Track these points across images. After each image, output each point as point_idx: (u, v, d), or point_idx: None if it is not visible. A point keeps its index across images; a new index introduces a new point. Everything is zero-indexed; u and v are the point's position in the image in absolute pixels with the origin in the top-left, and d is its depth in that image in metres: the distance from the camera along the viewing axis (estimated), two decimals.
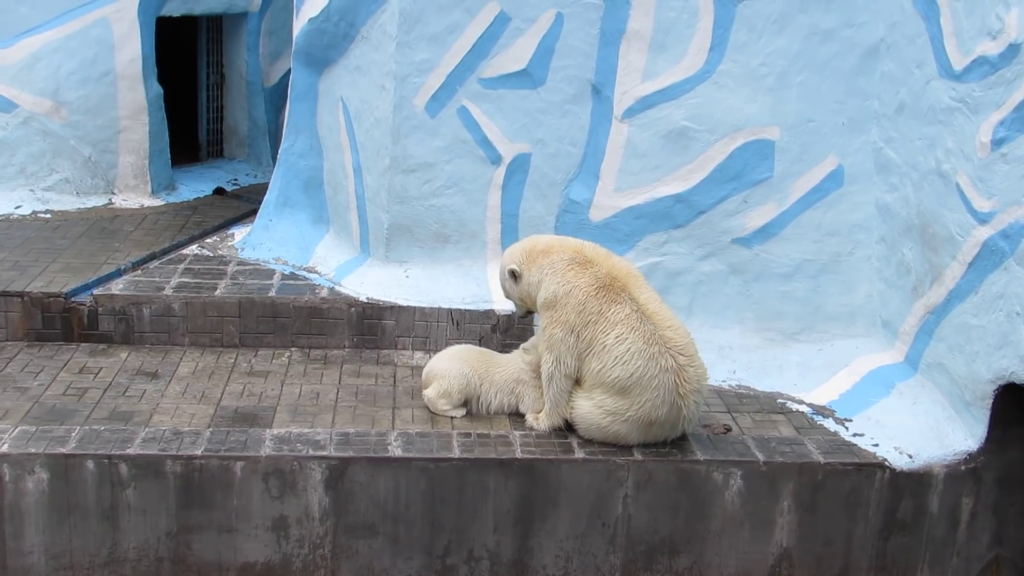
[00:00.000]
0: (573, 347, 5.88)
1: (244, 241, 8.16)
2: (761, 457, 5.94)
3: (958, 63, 6.02)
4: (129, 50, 9.05)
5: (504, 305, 7.01)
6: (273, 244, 7.97)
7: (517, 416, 6.26)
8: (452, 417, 6.21)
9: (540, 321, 6.08)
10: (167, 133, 9.54)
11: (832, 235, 6.90)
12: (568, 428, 6.07)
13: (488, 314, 7.09)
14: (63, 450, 5.63)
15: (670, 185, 6.95)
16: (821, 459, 5.94)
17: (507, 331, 7.15)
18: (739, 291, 7.04)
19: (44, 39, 8.88)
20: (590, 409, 5.91)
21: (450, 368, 6.21)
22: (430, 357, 6.72)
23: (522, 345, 6.38)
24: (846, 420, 6.37)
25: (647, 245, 7.05)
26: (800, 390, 6.71)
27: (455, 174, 7.26)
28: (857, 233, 6.88)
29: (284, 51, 10.23)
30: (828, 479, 5.91)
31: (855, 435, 6.20)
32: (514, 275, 6.01)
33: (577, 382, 6.00)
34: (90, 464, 5.63)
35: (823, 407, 6.54)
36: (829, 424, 6.34)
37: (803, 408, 6.54)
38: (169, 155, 9.63)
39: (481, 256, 7.37)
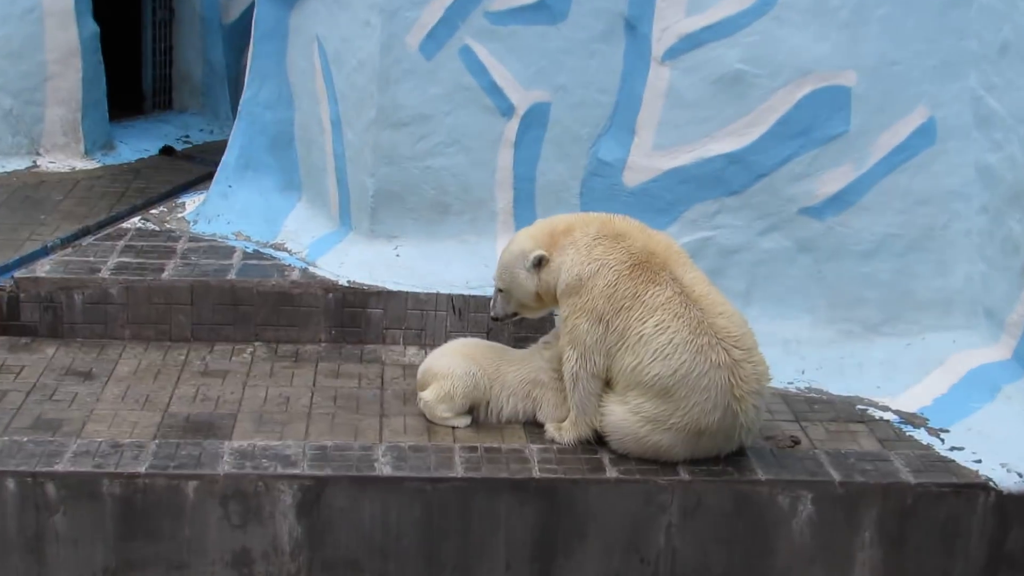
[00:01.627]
0: (602, 339, 5.85)
1: (197, 212, 8.14)
2: (837, 477, 5.88)
3: None
4: None
5: None
6: (233, 215, 7.96)
7: (534, 426, 6.23)
8: (454, 427, 6.18)
9: (560, 310, 6.05)
10: (104, 81, 9.54)
11: (922, 204, 6.84)
12: (598, 440, 6.03)
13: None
14: None
15: (722, 142, 6.90)
16: (911, 479, 5.88)
17: (521, 321, 7.05)
18: (808, 273, 6.98)
19: None
20: (625, 416, 5.87)
21: (452, 367, 6.20)
22: (426, 354, 6.66)
23: (541, 339, 6.37)
24: (941, 431, 6.31)
25: (694, 216, 7.00)
26: (884, 394, 6.66)
27: (456, 129, 7.24)
28: (953, 202, 6.82)
29: None
30: (920, 504, 5.86)
31: (952, 449, 6.14)
32: (540, 263, 5.99)
33: (608, 383, 5.96)
34: (10, 483, 5.58)
35: (913, 415, 6.49)
36: (921, 435, 6.29)
37: (888, 416, 6.50)
38: (106, 107, 9.62)
39: (489, 230, 7.35)
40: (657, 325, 5.74)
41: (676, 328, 5.73)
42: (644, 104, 6.99)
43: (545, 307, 6.24)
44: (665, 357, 5.72)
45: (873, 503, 5.85)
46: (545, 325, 6.95)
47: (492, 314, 6.26)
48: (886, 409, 6.55)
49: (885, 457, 6.06)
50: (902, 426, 6.39)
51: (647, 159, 7.01)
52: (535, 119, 7.21)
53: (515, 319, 6.35)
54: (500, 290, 6.16)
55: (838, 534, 5.87)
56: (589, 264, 5.87)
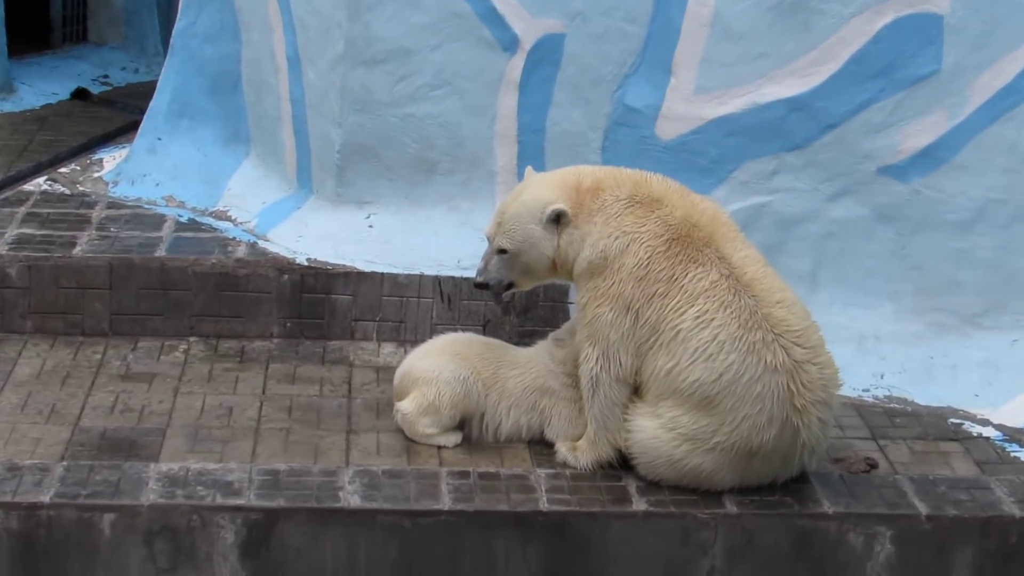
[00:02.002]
0: (630, 334, 5.85)
1: (118, 171, 8.14)
2: (923, 509, 5.88)
3: None
4: None
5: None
6: (163, 176, 7.97)
7: (542, 445, 6.24)
8: (440, 446, 6.20)
9: (577, 296, 6.05)
10: (2, 7, 9.47)
11: None
12: (622, 463, 6.04)
13: None
14: None
15: (781, 84, 6.92)
16: (1016, 512, 5.88)
17: (527, 312, 7.14)
18: (890, 249, 7.00)
19: None
20: (657, 432, 5.87)
21: (438, 370, 6.20)
22: (406, 353, 6.68)
23: (552, 334, 6.37)
24: None
25: (746, 177, 7.01)
26: (984, 404, 6.67)
27: (446, 66, 7.25)
28: None
29: None
30: None
31: None
32: (559, 219, 5.94)
33: (636, 391, 5.97)
34: None
35: (1019, 430, 6.50)
36: None
37: (989, 432, 6.50)
38: (4, 40, 9.57)
39: (486, 193, 7.37)
40: (698, 317, 5.73)
41: (722, 321, 5.72)
42: (683, 36, 7.00)
43: (554, 278, 6.23)
44: (708, 358, 5.71)
45: (969, 541, 5.85)
46: (557, 317, 6.98)
47: (479, 279, 6.14)
48: (986, 423, 6.55)
49: (984, 484, 6.05)
50: (1006, 444, 6.39)
51: (687, 105, 7.02)
52: (545, 55, 7.21)
53: (507, 292, 6.23)
54: (502, 250, 6.05)
55: None
56: (617, 238, 5.85)
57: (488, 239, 6.07)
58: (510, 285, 6.15)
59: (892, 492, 5.98)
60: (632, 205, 5.89)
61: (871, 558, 5.85)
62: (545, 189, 6.00)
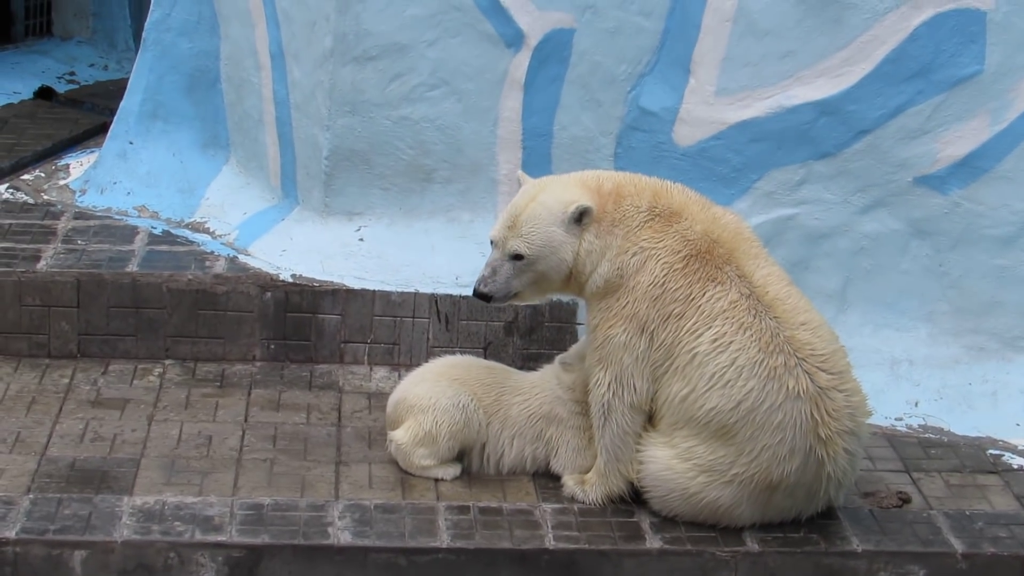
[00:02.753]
0: (644, 358, 5.97)
1: (86, 178, 8.21)
2: (959, 547, 6.01)
3: None
4: None
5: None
6: (135, 184, 8.03)
7: (548, 478, 6.34)
8: (438, 479, 6.29)
9: (588, 316, 6.16)
10: None
11: None
12: (635, 498, 6.15)
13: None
14: None
15: (810, 86, 7.03)
16: None
17: (531, 334, 7.28)
18: (926, 267, 7.11)
19: None
20: (671, 463, 5.99)
21: (434, 396, 6.28)
22: (400, 377, 6.76)
23: (559, 358, 6.43)
24: None
25: (771, 187, 7.14)
26: None
27: (444, 64, 7.32)
28: None
29: None
30: None
31: None
32: (582, 217, 5.96)
33: (650, 419, 6.09)
34: None
35: None
36: None
37: None
38: None
39: (487, 203, 7.46)
40: (716, 340, 5.84)
41: (741, 344, 5.83)
42: (703, 32, 7.11)
43: (564, 293, 6.28)
44: (726, 384, 5.83)
45: None
46: (564, 339, 7.12)
47: (483, 288, 6.05)
48: None
49: None
50: None
51: (707, 108, 7.14)
52: (553, 52, 7.28)
53: (509, 303, 6.26)
54: (517, 256, 6.00)
55: None
56: (635, 254, 5.95)
57: (495, 243, 6.03)
58: (515, 296, 6.11)
59: (926, 528, 6.09)
60: (651, 218, 5.97)
61: None
62: (565, 189, 6.02)
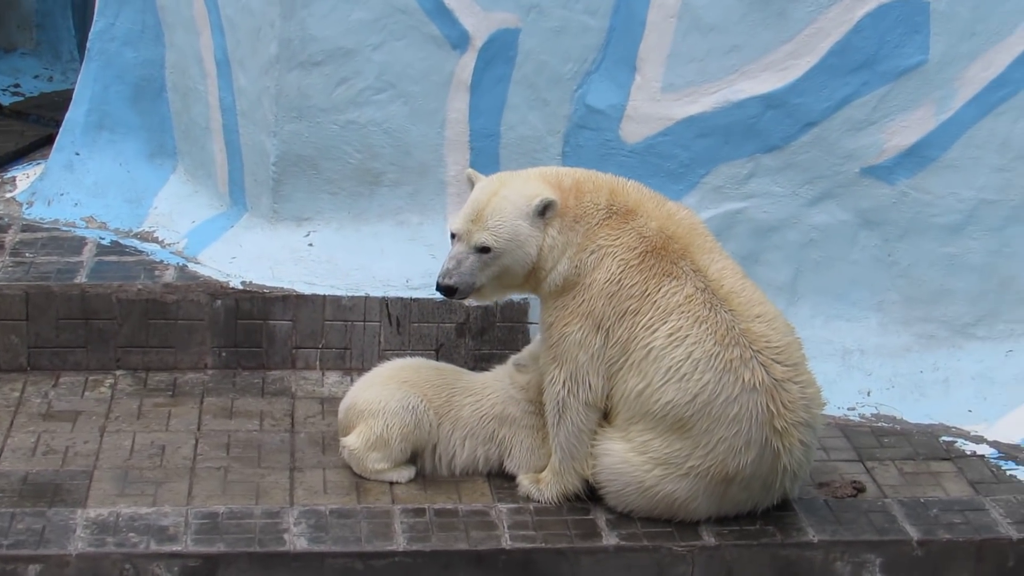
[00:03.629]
0: (599, 355, 5.97)
1: (33, 190, 8.15)
2: (915, 534, 6.03)
3: None
4: None
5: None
6: (82, 194, 7.99)
7: (503, 478, 6.33)
8: (392, 482, 6.28)
9: (542, 314, 6.16)
10: None
11: None
12: (590, 495, 6.14)
13: (450, 304, 7.15)
14: None
15: (756, 79, 7.05)
16: (1014, 533, 6.03)
17: (483, 334, 7.26)
18: (875, 257, 7.14)
19: None
20: (627, 456, 5.98)
21: (384, 400, 6.26)
22: (352, 382, 6.77)
23: (512, 359, 6.43)
24: None
25: (719, 182, 7.15)
26: (978, 420, 6.81)
27: (390, 67, 7.30)
28: None
29: None
30: None
31: None
32: (546, 210, 5.94)
33: (605, 416, 6.08)
34: None
35: (1016, 447, 6.63)
36: None
37: (983, 450, 6.64)
38: None
39: (437, 205, 7.44)
40: (671, 334, 5.85)
41: (696, 338, 5.83)
42: (648, 29, 7.09)
43: (521, 290, 6.24)
44: (682, 378, 5.82)
45: (963, 567, 5.98)
46: (516, 338, 7.12)
47: (448, 281, 5.99)
48: (980, 441, 6.68)
49: (979, 505, 6.19)
50: (1001, 463, 6.53)
51: (653, 105, 7.14)
52: (498, 52, 7.28)
53: (465, 297, 6.17)
54: (483, 248, 5.96)
55: None
56: (592, 252, 5.96)
57: (458, 236, 5.99)
58: (477, 290, 6.07)
59: (881, 517, 6.11)
60: (609, 216, 5.98)
61: None
62: (527, 183, 6.01)
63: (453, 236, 6.01)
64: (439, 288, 6.00)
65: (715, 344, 5.81)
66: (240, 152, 7.66)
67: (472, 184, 6.14)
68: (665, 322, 5.85)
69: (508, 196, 5.95)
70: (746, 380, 5.79)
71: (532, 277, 6.05)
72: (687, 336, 5.83)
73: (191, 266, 7.39)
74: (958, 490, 6.33)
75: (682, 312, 5.85)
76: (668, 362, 5.83)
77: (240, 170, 7.68)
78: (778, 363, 5.85)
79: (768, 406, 5.81)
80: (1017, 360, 7.01)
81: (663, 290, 5.87)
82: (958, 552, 5.99)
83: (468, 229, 5.95)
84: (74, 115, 8.19)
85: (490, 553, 5.83)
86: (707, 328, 5.83)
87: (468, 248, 5.96)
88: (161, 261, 7.44)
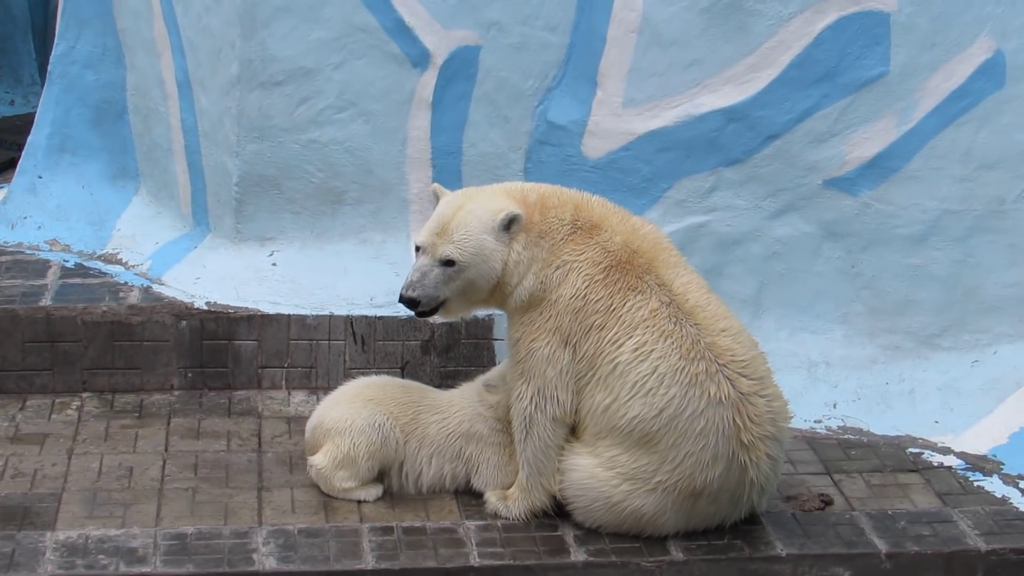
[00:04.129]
0: (567, 370, 5.98)
1: None
2: (883, 547, 6.04)
3: None
4: None
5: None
6: (45, 217, 7.98)
7: (470, 495, 6.33)
8: (360, 501, 6.27)
9: (509, 331, 6.16)
10: None
11: (989, 168, 7.07)
12: (557, 511, 6.14)
13: (415, 322, 7.15)
14: None
15: (717, 93, 7.06)
16: (982, 545, 6.05)
17: (448, 351, 7.25)
18: (839, 268, 7.16)
19: None
20: (594, 472, 5.98)
21: (351, 418, 6.27)
22: (319, 400, 6.75)
23: (481, 378, 6.43)
24: (1021, 477, 6.52)
25: (682, 196, 7.16)
26: (945, 431, 6.84)
27: (351, 86, 7.31)
28: None
29: None
30: None
31: None
32: (511, 224, 5.96)
33: (573, 431, 6.09)
34: None
35: (983, 457, 6.66)
36: (994, 485, 6.48)
37: (950, 461, 6.67)
38: None
39: (399, 224, 7.44)
40: (637, 349, 5.85)
41: (662, 352, 5.83)
42: (609, 44, 7.11)
43: (486, 305, 6.24)
44: (648, 392, 5.83)
45: None
46: (481, 355, 7.12)
47: (411, 293, 5.98)
48: (947, 452, 6.71)
49: (947, 517, 6.21)
50: (968, 474, 6.55)
51: (614, 120, 7.15)
52: (459, 70, 7.28)
53: (432, 316, 6.17)
54: (448, 262, 5.96)
55: None
56: (558, 268, 5.96)
57: (422, 249, 5.99)
58: (441, 304, 6.06)
59: (849, 530, 6.12)
60: (574, 231, 5.99)
61: None
62: (492, 198, 6.03)
63: (418, 249, 6.02)
64: (402, 299, 6.00)
65: (680, 358, 5.81)
66: (202, 173, 7.65)
67: (437, 198, 6.14)
68: (631, 336, 5.86)
69: (474, 210, 5.96)
70: (712, 394, 5.80)
71: (497, 292, 6.05)
72: (652, 350, 5.83)
73: (155, 287, 7.38)
74: (926, 502, 6.35)
75: (647, 326, 5.86)
76: (634, 377, 5.84)
77: (203, 191, 7.67)
78: (744, 376, 5.86)
79: (734, 420, 5.81)
80: (983, 371, 7.05)
81: (628, 304, 5.88)
82: (927, 564, 6.01)
83: (433, 242, 5.96)
84: (36, 138, 8.18)
85: (459, 571, 5.83)
86: (672, 342, 5.83)
87: (432, 261, 5.96)
88: (125, 283, 7.42)
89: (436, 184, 6.25)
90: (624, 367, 5.85)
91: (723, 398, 5.80)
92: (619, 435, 5.89)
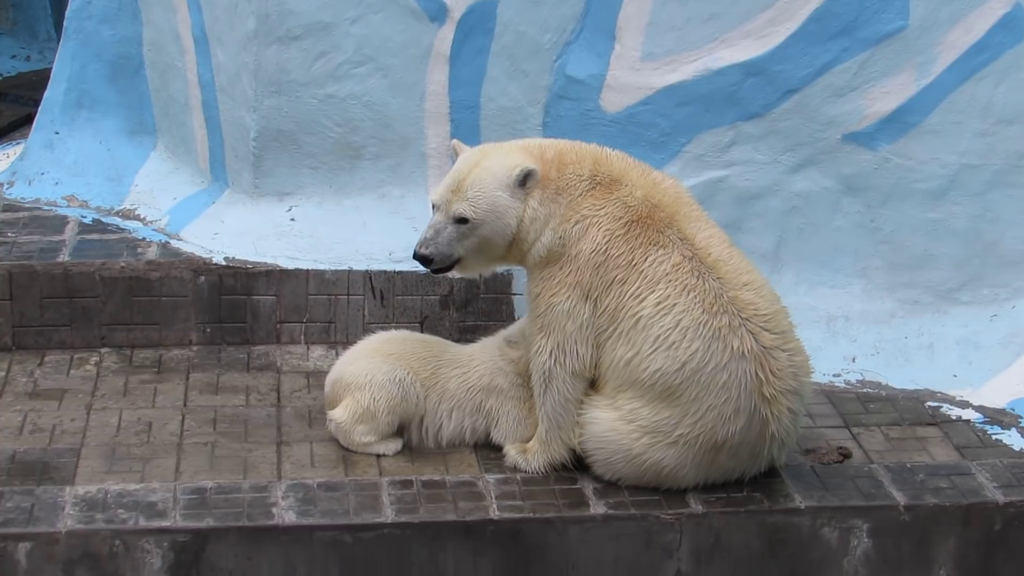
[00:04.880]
0: (587, 324, 5.97)
1: (13, 170, 8.13)
2: (901, 499, 6.05)
3: None
4: None
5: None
6: (62, 173, 7.97)
7: (490, 449, 6.33)
8: (379, 455, 6.28)
9: (529, 286, 6.15)
10: None
11: (1009, 123, 7.06)
12: (578, 465, 6.15)
13: (434, 277, 7.13)
14: None
15: (736, 47, 7.06)
16: (1000, 497, 6.07)
17: (467, 306, 7.25)
18: (858, 223, 7.16)
19: None
20: (614, 425, 5.99)
21: (371, 373, 6.27)
22: (337, 356, 6.77)
23: (502, 333, 6.44)
24: None
25: (700, 150, 7.16)
26: (963, 385, 6.85)
27: (369, 41, 7.29)
28: None
29: None
30: (1012, 529, 6.05)
31: None
32: (526, 180, 5.95)
33: (592, 385, 6.09)
34: None
35: (1002, 411, 6.68)
36: (1012, 438, 6.50)
37: (969, 414, 6.68)
38: None
39: (418, 178, 7.43)
40: (659, 303, 5.85)
41: (685, 306, 5.84)
42: None
43: (504, 262, 6.26)
44: (670, 346, 5.83)
45: (950, 532, 6.02)
46: (500, 310, 7.13)
47: (424, 250, 6.01)
48: (966, 405, 6.73)
49: (965, 470, 6.23)
50: (987, 427, 6.57)
51: (633, 74, 7.14)
52: (477, 24, 7.26)
53: (448, 272, 6.19)
54: (462, 219, 5.97)
55: (905, 574, 6.05)
56: (577, 223, 5.95)
57: (437, 206, 6.01)
58: (457, 261, 6.07)
59: (868, 482, 6.13)
60: (593, 186, 5.98)
61: (847, 553, 6.00)
62: (508, 155, 6.02)
63: (434, 207, 6.02)
64: (416, 256, 6.02)
65: (703, 312, 5.82)
66: (220, 128, 7.65)
67: (457, 155, 6.13)
68: (653, 291, 5.86)
69: (489, 167, 5.96)
70: (735, 348, 5.80)
71: (515, 249, 6.06)
72: (675, 304, 5.83)
73: (173, 243, 7.38)
74: (944, 455, 6.37)
75: (670, 281, 5.86)
76: (657, 331, 5.84)
77: (220, 146, 7.67)
78: (766, 331, 5.86)
79: (757, 374, 5.81)
80: (1001, 324, 7.04)
81: (650, 259, 5.88)
82: (945, 517, 6.02)
83: (448, 199, 5.96)
84: (53, 94, 8.18)
85: (478, 524, 5.84)
86: (695, 296, 5.83)
87: (447, 218, 5.97)
88: (143, 238, 7.42)
89: (456, 140, 6.24)
90: (647, 321, 5.85)
91: (746, 352, 5.80)
92: (640, 388, 5.90)
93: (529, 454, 6.17)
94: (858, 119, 7.07)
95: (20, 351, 7.07)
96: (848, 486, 6.11)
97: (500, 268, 6.80)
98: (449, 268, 6.10)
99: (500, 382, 6.30)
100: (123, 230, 7.52)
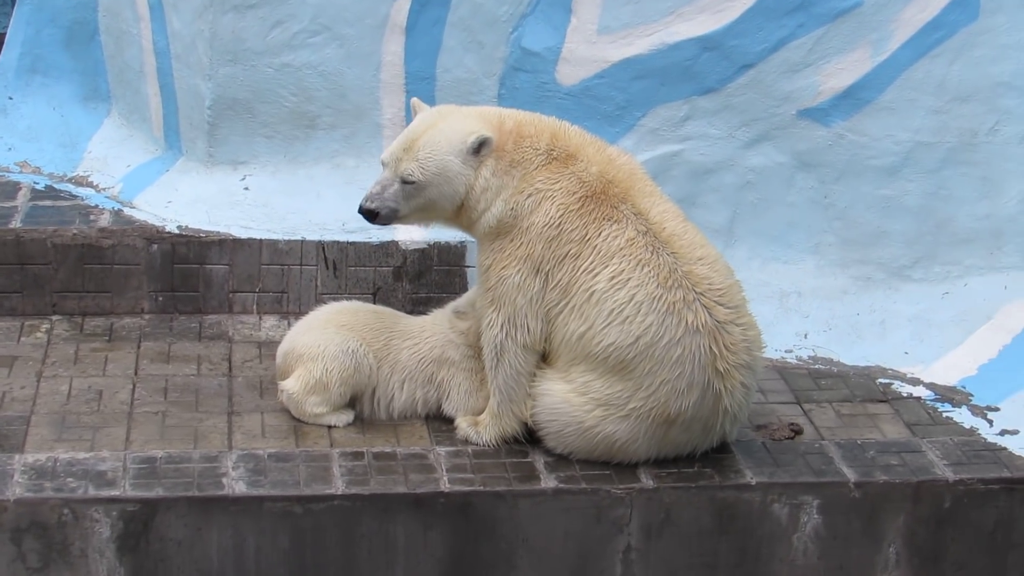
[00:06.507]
0: (539, 297, 5.94)
1: None
2: (852, 476, 6.04)
3: None
4: None
5: (414, 233, 7.07)
6: (16, 139, 7.93)
7: (441, 421, 6.31)
8: (331, 426, 6.26)
9: (479, 257, 6.12)
10: None
11: (962, 101, 7.06)
12: (529, 437, 6.13)
13: (387, 248, 7.13)
14: None
15: (692, 21, 7.03)
16: (950, 475, 6.06)
17: (420, 278, 7.21)
18: (811, 199, 7.16)
19: None
20: (566, 398, 5.97)
21: (323, 344, 6.25)
22: (289, 326, 6.74)
23: (451, 305, 6.42)
24: (989, 409, 6.52)
25: (655, 124, 7.14)
26: (914, 362, 6.85)
27: (325, 10, 7.26)
28: (1003, 96, 7.05)
29: None
30: (962, 507, 6.05)
31: (1004, 433, 6.34)
32: (480, 148, 5.91)
33: (545, 359, 6.07)
34: None
35: (952, 388, 6.68)
36: (962, 416, 6.49)
37: (919, 391, 6.68)
38: None
39: (372, 148, 7.37)
40: (613, 278, 5.83)
41: (639, 280, 5.81)
42: None
43: (452, 225, 6.20)
44: (624, 320, 5.81)
45: (900, 508, 6.02)
46: (453, 282, 7.08)
47: (370, 204, 5.97)
48: (916, 383, 6.73)
49: (915, 447, 6.23)
50: (937, 404, 6.57)
51: (589, 47, 7.11)
52: None
53: (393, 224, 6.16)
54: (408, 181, 5.92)
55: (854, 550, 6.04)
56: (530, 195, 5.92)
57: (386, 164, 5.97)
58: (400, 218, 6.06)
59: (818, 459, 6.12)
60: (549, 160, 5.95)
61: (797, 529, 5.98)
62: (465, 120, 5.99)
63: (384, 164, 5.98)
64: (361, 211, 5.97)
65: (658, 286, 5.80)
66: (175, 96, 7.62)
67: (416, 113, 6.10)
68: (607, 266, 5.84)
69: (444, 130, 5.93)
70: (689, 322, 5.79)
71: (463, 215, 6.03)
72: (629, 279, 5.81)
73: (126, 210, 7.33)
74: (895, 432, 6.37)
75: (624, 255, 5.84)
76: (611, 304, 5.81)
77: (175, 114, 7.64)
78: (720, 305, 5.86)
79: (711, 348, 5.81)
80: (953, 302, 7.06)
81: (604, 234, 5.86)
82: (895, 494, 6.02)
83: (398, 157, 5.93)
84: (7, 59, 8.14)
85: (429, 496, 5.82)
86: (649, 271, 5.81)
87: (394, 176, 5.93)
88: (96, 206, 7.37)
89: (415, 99, 6.20)
90: (600, 295, 5.82)
91: (700, 326, 5.79)
92: (594, 362, 5.88)
93: (480, 427, 6.15)
94: (813, 95, 7.07)
95: None
96: (799, 462, 6.10)
97: (448, 231, 6.71)
98: (396, 221, 6.08)
99: (451, 354, 6.28)
100: (76, 197, 7.48)
